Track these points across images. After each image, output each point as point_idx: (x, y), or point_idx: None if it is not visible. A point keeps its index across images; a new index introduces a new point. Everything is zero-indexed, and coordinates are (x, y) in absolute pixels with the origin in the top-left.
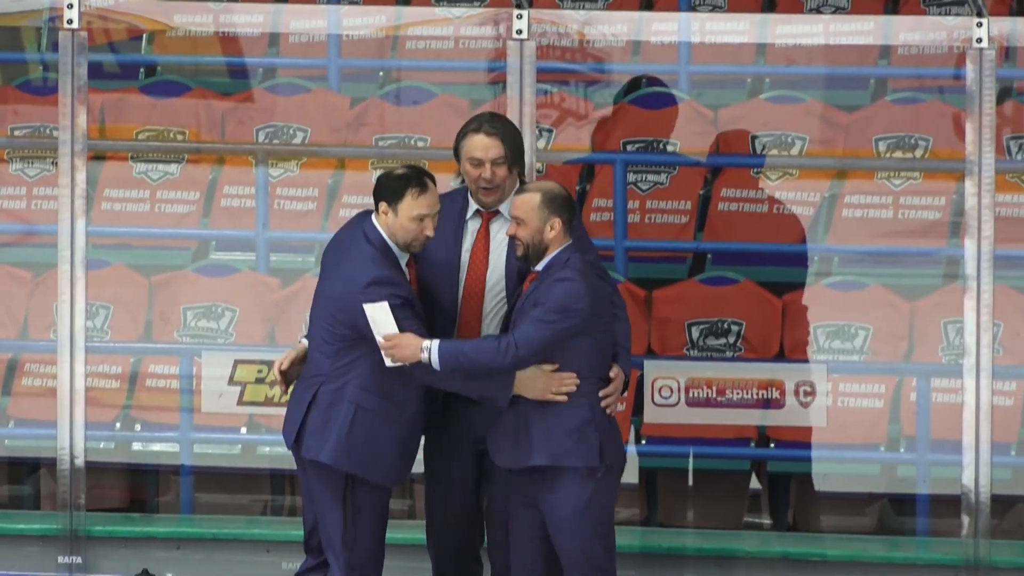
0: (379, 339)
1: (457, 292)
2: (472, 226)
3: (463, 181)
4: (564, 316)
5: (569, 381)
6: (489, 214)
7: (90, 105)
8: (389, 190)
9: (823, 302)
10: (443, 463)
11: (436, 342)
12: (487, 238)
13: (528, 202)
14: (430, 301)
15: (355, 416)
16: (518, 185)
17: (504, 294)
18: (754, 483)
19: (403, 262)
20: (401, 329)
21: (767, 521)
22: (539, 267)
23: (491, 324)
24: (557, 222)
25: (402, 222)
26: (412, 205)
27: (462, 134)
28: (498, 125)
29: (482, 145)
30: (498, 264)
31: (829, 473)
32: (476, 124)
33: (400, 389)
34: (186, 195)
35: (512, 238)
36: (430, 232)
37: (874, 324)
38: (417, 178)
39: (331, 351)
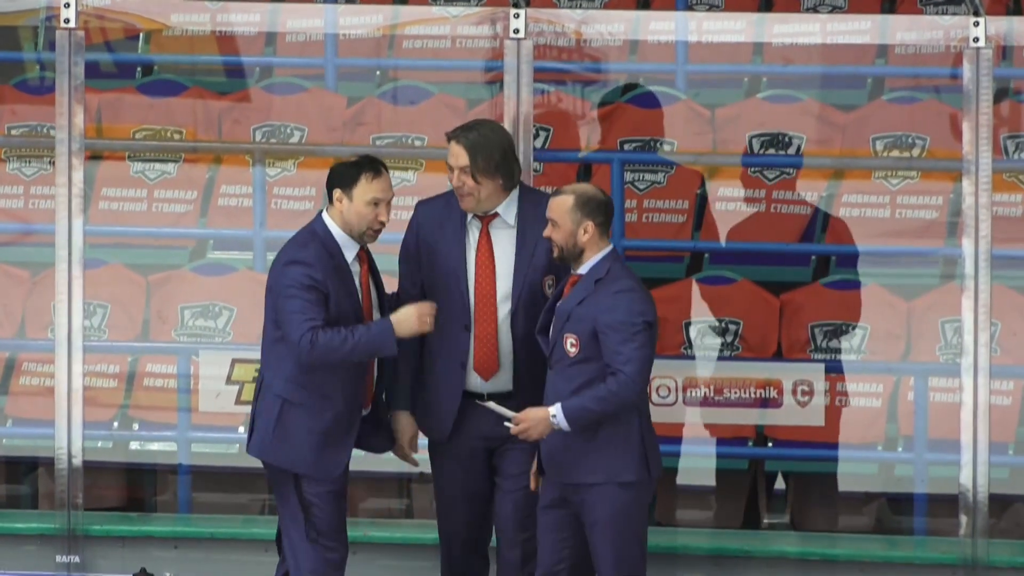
0: (510, 427)
1: (468, 299)
2: (473, 231)
3: None
4: (645, 330)
5: (428, 309)
6: (487, 218)
7: (87, 104)
8: (342, 176)
9: (820, 301)
10: (453, 462)
11: (559, 407)
12: (489, 243)
13: (561, 204)
14: (442, 308)
15: (281, 409)
16: (509, 194)
17: (516, 298)
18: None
19: (351, 254)
20: (295, 309)
21: (764, 520)
22: (582, 270)
23: (514, 330)
24: (590, 225)
25: (357, 207)
26: (367, 188)
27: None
28: (471, 135)
29: (451, 152)
30: (504, 269)
31: (826, 472)
32: (455, 131)
33: (329, 384)
34: (183, 194)
35: (547, 239)
36: (384, 218)
37: (872, 323)
38: (370, 163)
39: (268, 341)
